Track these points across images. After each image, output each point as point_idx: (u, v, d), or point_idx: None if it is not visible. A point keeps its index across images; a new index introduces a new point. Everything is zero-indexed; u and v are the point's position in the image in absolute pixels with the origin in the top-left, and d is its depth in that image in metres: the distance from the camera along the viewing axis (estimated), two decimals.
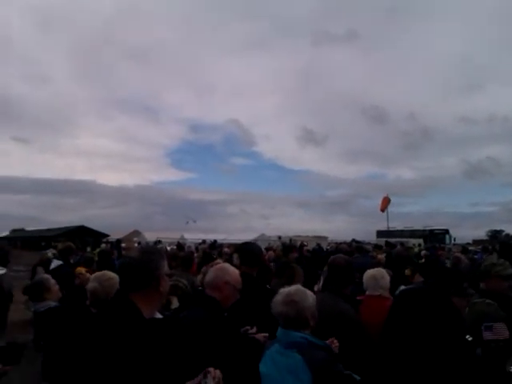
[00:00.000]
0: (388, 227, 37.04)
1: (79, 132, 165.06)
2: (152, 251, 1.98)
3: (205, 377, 1.62)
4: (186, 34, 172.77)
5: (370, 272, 4.08)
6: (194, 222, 51.48)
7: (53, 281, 4.17)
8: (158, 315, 1.89)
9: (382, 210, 34.47)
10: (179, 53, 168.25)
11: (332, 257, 3.81)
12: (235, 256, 8.13)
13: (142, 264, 1.85)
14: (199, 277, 5.58)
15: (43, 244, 33.50)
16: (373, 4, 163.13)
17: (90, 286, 3.49)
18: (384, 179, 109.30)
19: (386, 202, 33.94)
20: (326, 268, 4.31)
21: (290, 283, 2.86)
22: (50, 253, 8.74)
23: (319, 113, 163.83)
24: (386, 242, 16.64)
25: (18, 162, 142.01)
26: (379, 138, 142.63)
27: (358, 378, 2.42)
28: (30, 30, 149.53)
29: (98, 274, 3.65)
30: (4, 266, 8.95)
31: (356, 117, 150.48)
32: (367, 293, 3.97)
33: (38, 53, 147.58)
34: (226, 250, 10.89)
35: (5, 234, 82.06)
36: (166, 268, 1.91)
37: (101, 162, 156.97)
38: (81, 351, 1.67)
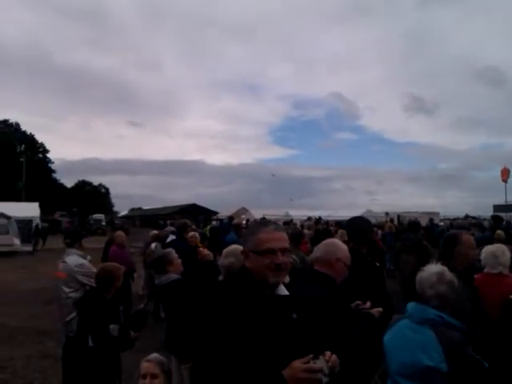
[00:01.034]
0: (506, 201, 33.89)
1: (188, 114, 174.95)
2: (250, 226, 1.98)
3: (316, 358, 1.57)
4: (285, 8, 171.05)
5: (489, 248, 3.87)
6: (291, 200, 52.07)
7: (175, 254, 4.30)
8: (284, 291, 1.80)
9: (505, 181, 31.54)
10: (279, 28, 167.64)
11: (447, 233, 3.67)
12: (339, 233, 8.08)
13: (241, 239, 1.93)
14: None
15: (161, 222, 35.90)
16: None
17: (226, 261, 3.47)
18: (501, 149, 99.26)
19: (507, 172, 30.98)
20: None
21: (423, 261, 2.76)
22: (169, 230, 9.35)
23: (428, 79, 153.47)
24: (492, 216, 15.19)
25: (134, 145, 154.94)
26: (495, 102, 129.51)
27: (487, 364, 2.26)
28: (139, 17, 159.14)
29: (229, 249, 3.58)
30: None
31: (469, 81, 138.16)
32: (485, 270, 3.77)
33: (148, 39, 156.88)
34: (331, 228, 10.90)
35: (124, 212, 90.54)
36: (253, 244, 1.79)
37: (208, 143, 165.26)
38: (201, 324, 1.70)
